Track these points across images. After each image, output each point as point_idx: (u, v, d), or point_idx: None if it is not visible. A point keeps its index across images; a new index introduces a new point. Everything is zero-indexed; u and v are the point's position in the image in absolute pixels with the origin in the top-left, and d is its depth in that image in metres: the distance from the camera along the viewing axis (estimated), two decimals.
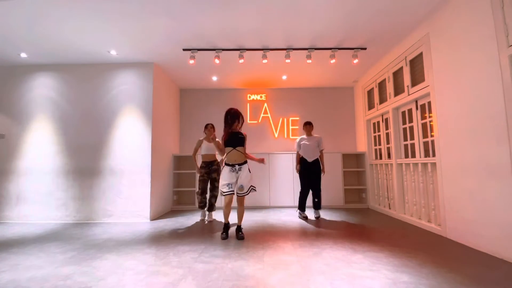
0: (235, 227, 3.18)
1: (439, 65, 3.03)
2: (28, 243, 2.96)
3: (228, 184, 2.96)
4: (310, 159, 4.03)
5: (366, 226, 3.55)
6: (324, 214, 4.36)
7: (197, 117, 5.86)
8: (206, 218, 4.07)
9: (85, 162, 4.24)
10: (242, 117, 3.13)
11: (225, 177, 2.98)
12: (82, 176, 4.22)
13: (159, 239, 3.05)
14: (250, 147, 5.09)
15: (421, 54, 3.38)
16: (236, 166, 2.99)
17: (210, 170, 3.94)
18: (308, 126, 4.16)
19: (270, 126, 5.87)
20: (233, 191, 2.97)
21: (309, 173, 4.04)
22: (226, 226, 3.08)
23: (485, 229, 2.45)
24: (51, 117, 4.34)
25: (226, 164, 3.03)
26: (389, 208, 4.34)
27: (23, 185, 4.22)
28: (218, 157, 4.09)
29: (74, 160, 4.25)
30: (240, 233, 3.01)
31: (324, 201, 4.97)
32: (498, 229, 2.31)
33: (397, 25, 3.39)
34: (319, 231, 3.29)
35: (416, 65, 3.53)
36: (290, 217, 4.14)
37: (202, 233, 3.30)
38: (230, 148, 3.01)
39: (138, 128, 4.30)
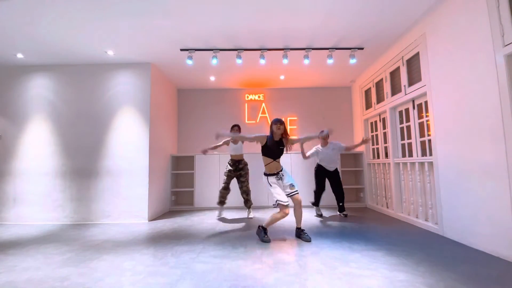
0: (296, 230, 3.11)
1: (435, 65, 3.05)
2: (25, 245, 2.94)
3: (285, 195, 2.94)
4: (331, 168, 4.10)
5: (363, 225, 3.56)
6: (323, 213, 4.37)
7: (195, 117, 5.86)
8: (249, 215, 4.16)
9: (82, 162, 4.22)
10: (284, 125, 3.01)
11: (278, 189, 2.92)
12: (80, 177, 4.20)
13: (157, 240, 3.05)
14: (249, 148, 5.08)
15: (417, 54, 3.39)
16: (280, 173, 3.01)
17: (237, 168, 4.12)
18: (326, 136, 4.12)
19: (268, 126, 5.85)
20: (292, 195, 2.95)
21: (329, 180, 4.12)
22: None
23: (481, 228, 2.46)
24: (48, 117, 4.31)
25: (269, 174, 2.98)
26: (387, 207, 4.36)
27: (20, 186, 4.20)
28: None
29: (71, 161, 4.23)
30: (306, 235, 2.95)
31: (322, 201, 4.97)
32: (494, 228, 2.33)
33: (394, 25, 3.41)
34: (317, 231, 3.30)
35: (413, 65, 3.54)
36: (288, 217, 4.07)
37: (200, 233, 3.30)
38: (270, 160, 2.98)
39: (136, 129, 4.29)
